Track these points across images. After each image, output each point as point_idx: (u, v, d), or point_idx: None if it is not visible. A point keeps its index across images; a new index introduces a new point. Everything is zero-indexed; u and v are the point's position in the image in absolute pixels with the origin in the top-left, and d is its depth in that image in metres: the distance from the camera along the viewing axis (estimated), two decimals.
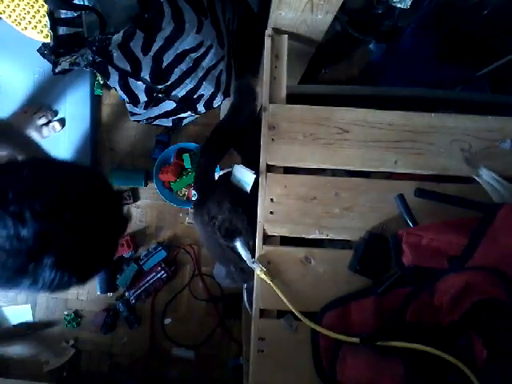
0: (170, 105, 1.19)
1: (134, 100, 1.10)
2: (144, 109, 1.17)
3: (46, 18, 0.98)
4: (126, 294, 1.41)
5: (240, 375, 0.98)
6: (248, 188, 0.77)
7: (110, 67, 0.95)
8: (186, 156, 1.39)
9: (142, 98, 1.10)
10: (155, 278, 1.40)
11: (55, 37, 0.99)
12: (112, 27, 1.00)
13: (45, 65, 1.33)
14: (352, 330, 0.67)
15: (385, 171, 0.77)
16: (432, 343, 0.61)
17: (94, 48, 0.90)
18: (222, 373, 1.40)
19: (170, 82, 1.07)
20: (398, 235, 0.71)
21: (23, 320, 1.44)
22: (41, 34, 1.25)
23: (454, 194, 0.73)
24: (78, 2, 0.99)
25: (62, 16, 0.99)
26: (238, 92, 0.87)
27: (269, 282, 0.70)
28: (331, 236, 0.74)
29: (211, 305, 1.43)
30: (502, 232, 0.66)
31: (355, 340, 0.64)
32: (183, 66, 1.05)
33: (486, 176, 0.74)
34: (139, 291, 1.40)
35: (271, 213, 0.74)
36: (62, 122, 1.43)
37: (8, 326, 1.33)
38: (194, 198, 1.41)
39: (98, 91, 1.47)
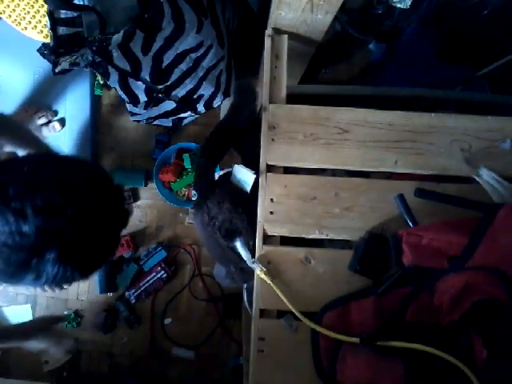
0: (169, 105, 1.19)
1: (134, 100, 1.10)
2: (144, 109, 1.17)
3: (46, 18, 0.98)
4: (126, 293, 1.40)
5: (240, 375, 0.98)
6: (248, 188, 0.77)
7: (109, 67, 0.95)
8: (186, 156, 1.39)
9: (142, 98, 1.10)
10: (155, 278, 1.40)
11: (55, 37, 0.99)
12: (112, 27, 1.00)
13: (45, 65, 1.34)
14: (352, 330, 0.67)
15: (385, 171, 0.77)
16: (432, 343, 0.61)
17: (94, 48, 0.90)
18: (222, 373, 1.40)
19: (169, 82, 1.07)
20: (398, 235, 0.71)
21: (23, 320, 1.43)
22: (41, 33, 1.24)
23: (454, 193, 0.73)
24: (78, 2, 0.99)
25: (62, 16, 0.99)
26: (238, 92, 0.87)
27: (269, 282, 0.70)
28: (331, 236, 0.74)
29: (211, 305, 1.43)
30: (502, 232, 0.66)
31: (355, 340, 0.64)
32: (183, 66, 1.05)
33: (486, 176, 0.74)
34: (139, 291, 1.40)
35: (271, 213, 0.74)
36: (62, 121, 1.43)
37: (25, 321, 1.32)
38: (193, 198, 1.40)
39: (97, 91, 1.47)
